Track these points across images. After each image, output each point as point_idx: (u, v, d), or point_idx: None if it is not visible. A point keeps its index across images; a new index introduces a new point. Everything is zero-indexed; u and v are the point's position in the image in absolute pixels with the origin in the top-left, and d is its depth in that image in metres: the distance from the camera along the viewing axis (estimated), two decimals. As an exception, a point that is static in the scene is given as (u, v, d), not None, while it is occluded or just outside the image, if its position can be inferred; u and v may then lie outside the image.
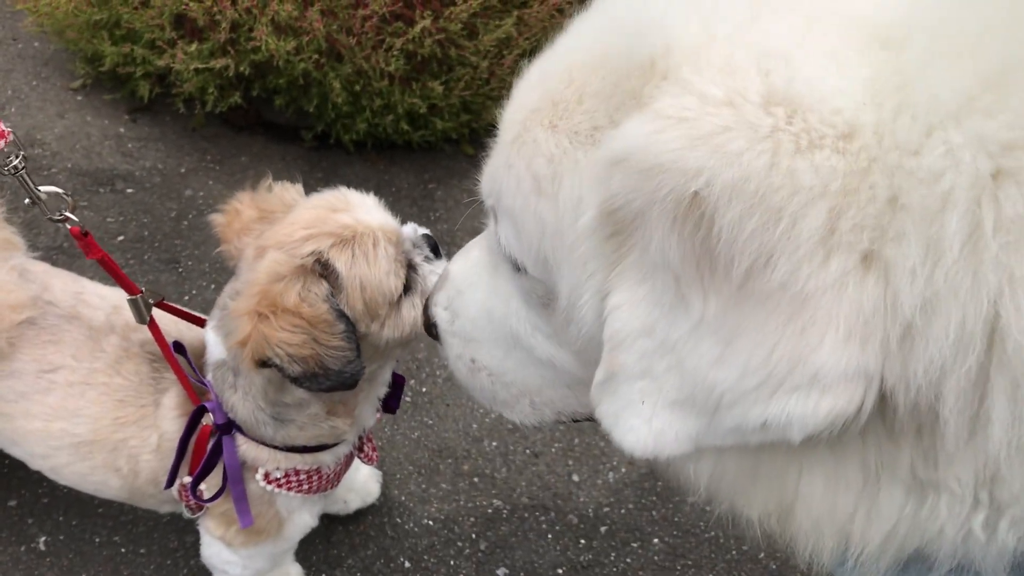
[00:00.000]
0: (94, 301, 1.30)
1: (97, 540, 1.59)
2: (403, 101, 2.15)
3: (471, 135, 2.43)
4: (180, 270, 2.02)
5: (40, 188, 1.14)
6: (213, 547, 1.39)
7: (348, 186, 2.17)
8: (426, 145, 2.39)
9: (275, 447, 1.23)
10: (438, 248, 1.23)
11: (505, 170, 0.73)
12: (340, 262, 1.08)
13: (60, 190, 1.16)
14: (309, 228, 1.11)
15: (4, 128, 1.11)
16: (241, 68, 2.05)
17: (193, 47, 2.04)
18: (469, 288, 0.91)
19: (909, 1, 0.58)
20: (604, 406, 0.69)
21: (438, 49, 2.11)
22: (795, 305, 0.54)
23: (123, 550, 1.58)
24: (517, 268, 0.78)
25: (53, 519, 1.59)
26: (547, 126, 0.69)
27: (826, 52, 0.56)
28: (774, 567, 1.78)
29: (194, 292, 1.98)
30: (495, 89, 2.24)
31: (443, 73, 2.17)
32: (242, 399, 1.17)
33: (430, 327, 0.96)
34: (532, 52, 1.99)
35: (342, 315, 1.07)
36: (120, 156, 2.23)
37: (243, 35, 2.02)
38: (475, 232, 2.14)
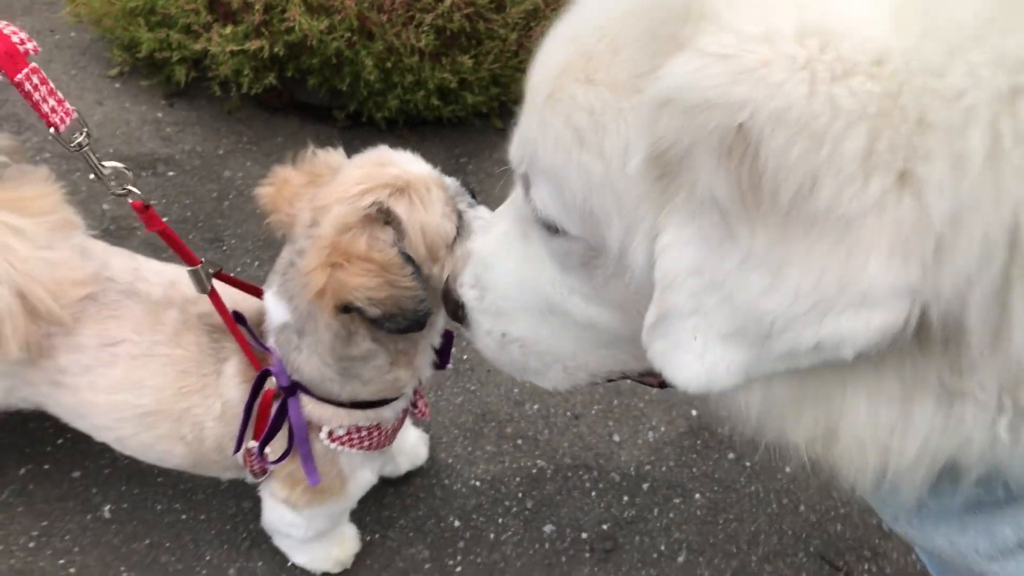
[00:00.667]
0: (152, 277, 1.35)
1: (159, 508, 1.65)
2: (433, 76, 2.19)
3: (500, 108, 2.47)
4: (224, 248, 2.08)
5: (104, 163, 1.19)
6: (276, 510, 1.45)
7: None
8: (456, 120, 2.44)
9: (340, 404, 1.27)
10: (475, 195, 1.27)
11: (540, 130, 0.75)
12: (400, 209, 1.12)
13: (121, 165, 1.21)
14: (363, 183, 1.15)
15: (69, 107, 1.16)
16: (276, 49, 2.09)
17: (228, 30, 2.08)
18: (497, 261, 0.92)
19: None
20: (656, 345, 0.71)
21: (467, 23, 2.14)
22: (840, 228, 0.57)
23: (184, 516, 1.64)
24: (552, 232, 0.79)
25: (116, 489, 1.66)
26: (583, 81, 0.71)
27: None
28: (814, 519, 1.83)
29: (239, 269, 2.04)
30: (524, 62, 2.28)
31: (472, 47, 2.21)
32: (307, 358, 1.22)
33: (456, 310, 0.97)
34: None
35: (409, 258, 1.12)
36: (159, 140, 2.28)
37: (276, 16, 2.07)
38: None
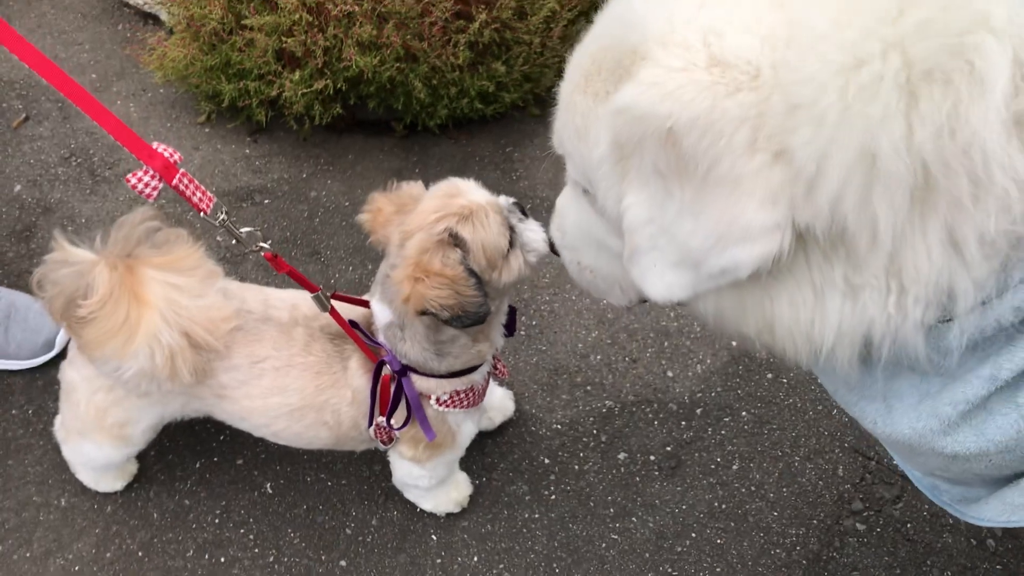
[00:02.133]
0: (278, 304, 1.72)
1: (308, 479, 2.05)
2: (474, 85, 2.53)
3: (535, 100, 2.80)
4: (322, 259, 2.47)
5: (241, 229, 1.57)
6: (404, 467, 1.84)
7: (437, 161, 2.61)
8: (498, 116, 2.77)
9: (440, 376, 1.65)
10: (525, 210, 1.60)
11: (562, 127, 1.03)
12: (466, 232, 1.47)
13: (254, 228, 1.58)
14: (438, 212, 1.50)
15: (210, 194, 1.53)
16: (338, 85, 2.45)
17: (296, 75, 2.44)
18: (567, 212, 1.23)
19: None
20: (633, 271, 0.98)
21: (496, 35, 2.47)
22: (732, 186, 0.80)
23: (330, 483, 2.05)
24: (584, 191, 1.07)
25: (273, 469, 2.06)
26: (582, 91, 0.97)
27: (744, 23, 0.82)
28: (846, 419, 2.15)
29: (337, 276, 2.43)
30: (549, 59, 2.60)
31: (503, 54, 2.53)
32: (411, 346, 1.59)
33: (552, 247, 1.37)
34: (574, 21, 2.36)
35: (472, 272, 1.47)
36: (251, 173, 2.67)
37: (334, 57, 2.42)
38: (552, 183, 2.62)
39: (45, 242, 2.28)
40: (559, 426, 2.15)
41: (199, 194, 1.51)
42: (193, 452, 2.07)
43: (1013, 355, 0.92)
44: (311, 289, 1.63)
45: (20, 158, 2.69)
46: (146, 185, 1.47)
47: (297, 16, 2.35)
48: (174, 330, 1.52)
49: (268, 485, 2.04)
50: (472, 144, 2.78)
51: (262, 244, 1.59)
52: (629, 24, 0.90)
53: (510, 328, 1.74)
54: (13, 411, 2.13)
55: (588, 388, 2.22)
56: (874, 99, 0.76)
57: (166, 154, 1.48)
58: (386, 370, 1.66)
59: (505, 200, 1.58)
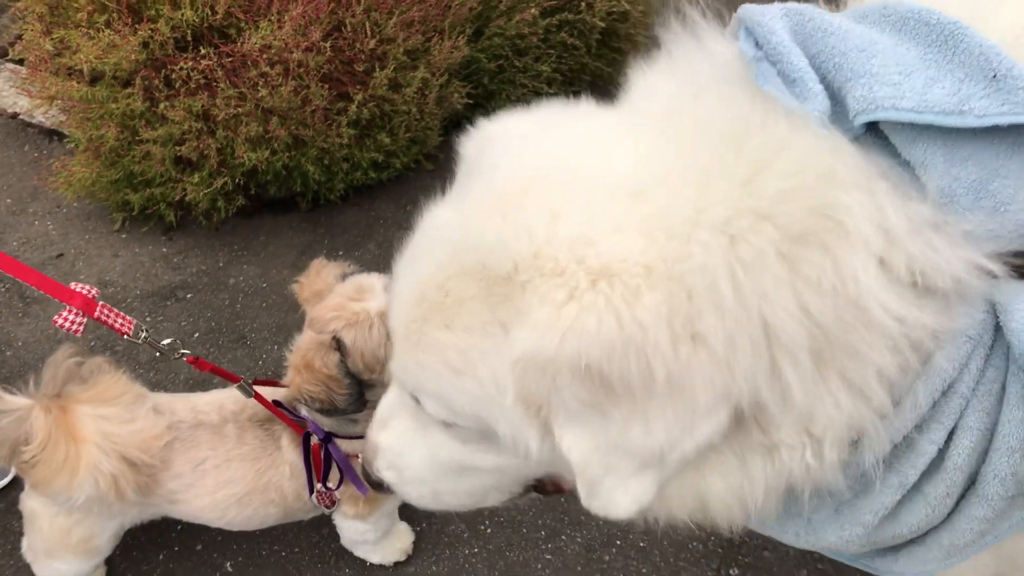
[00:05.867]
0: (206, 408, 1.88)
1: (264, 553, 2.23)
2: (363, 157, 2.72)
3: (426, 157, 3.00)
4: (248, 343, 2.64)
5: (162, 342, 1.75)
6: (350, 526, 2.02)
7: (343, 229, 2.78)
8: (395, 178, 2.97)
9: (361, 437, 1.83)
10: None
11: (419, 368, 0.95)
12: (348, 339, 1.65)
13: (174, 339, 1.76)
14: (334, 311, 1.69)
15: (129, 318, 1.71)
16: (236, 179, 2.63)
17: (196, 177, 2.62)
18: (407, 450, 1.14)
19: (636, 157, 0.85)
20: (596, 504, 0.92)
21: (376, 110, 2.66)
22: (677, 385, 0.79)
23: (284, 554, 2.22)
24: (448, 425, 1.00)
25: (231, 548, 2.23)
26: (444, 327, 0.89)
27: (611, 222, 0.80)
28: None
29: (264, 356, 2.60)
30: (430, 122, 2.80)
31: (386, 124, 2.73)
32: (323, 418, 1.79)
33: (378, 485, 1.23)
34: (446, 84, 2.55)
35: (348, 373, 1.66)
36: (171, 271, 2.84)
37: (228, 155, 2.59)
38: None
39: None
40: (486, 463, 2.35)
41: (119, 320, 1.69)
42: (155, 545, 2.23)
43: (915, 460, 0.95)
44: (233, 380, 1.81)
45: (-51, 292, 2.84)
46: (72, 323, 1.65)
47: (187, 125, 2.52)
48: (112, 457, 1.69)
49: (228, 564, 2.21)
50: (375, 208, 2.97)
51: (184, 351, 1.77)
52: (487, 250, 0.85)
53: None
54: (-19, 536, 2.28)
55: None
56: (761, 274, 0.78)
57: (85, 292, 1.65)
58: (314, 439, 1.84)
59: None
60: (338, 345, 1.66)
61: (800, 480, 0.91)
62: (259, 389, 1.83)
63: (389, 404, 1.16)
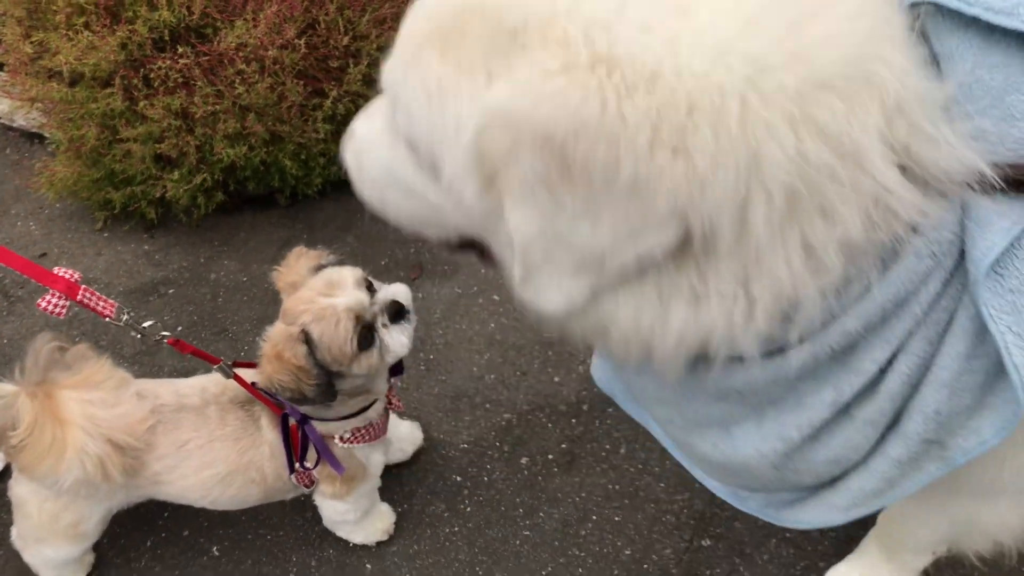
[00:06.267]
0: (188, 392, 1.93)
1: (250, 536, 2.28)
2: (340, 151, 2.78)
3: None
4: (230, 335, 2.70)
5: (144, 324, 1.80)
6: (330, 506, 2.07)
7: (323, 224, 2.83)
8: (372, 171, 3.03)
9: (335, 419, 1.90)
10: (403, 310, 1.80)
11: (403, 78, 0.92)
12: (315, 332, 1.70)
13: (154, 321, 1.81)
14: (304, 304, 1.75)
15: (111, 301, 1.76)
16: (215, 176, 2.69)
17: (175, 174, 2.68)
18: (373, 149, 1.10)
19: None
20: (528, 292, 0.93)
21: (351, 105, 2.72)
22: (639, 186, 0.79)
23: (269, 537, 2.28)
24: (410, 147, 0.98)
25: (217, 533, 2.29)
26: (439, 53, 0.87)
27: (639, 23, 0.78)
28: (714, 390, 2.44)
29: (246, 348, 2.66)
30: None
31: (361, 120, 2.79)
32: (298, 405, 1.84)
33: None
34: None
35: (317, 363, 1.71)
36: (153, 268, 2.89)
37: (207, 152, 2.65)
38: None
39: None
40: (465, 445, 2.41)
41: (101, 303, 1.75)
42: (142, 531, 2.28)
43: (852, 379, 0.97)
44: (213, 362, 1.87)
45: (-65, 293, 2.89)
46: (55, 306, 1.71)
47: (165, 123, 2.58)
48: (97, 440, 1.74)
49: (215, 548, 2.27)
50: (353, 202, 3.00)
51: (164, 333, 1.83)
52: None
53: (397, 370, 2.00)
54: (-28, 527, 2.33)
55: (487, 406, 2.49)
56: (774, 108, 0.77)
57: (68, 276, 1.71)
58: (293, 420, 1.90)
59: (383, 299, 1.78)
60: (306, 338, 1.72)
61: (718, 340, 0.90)
62: (239, 371, 1.89)
63: (377, 104, 1.10)
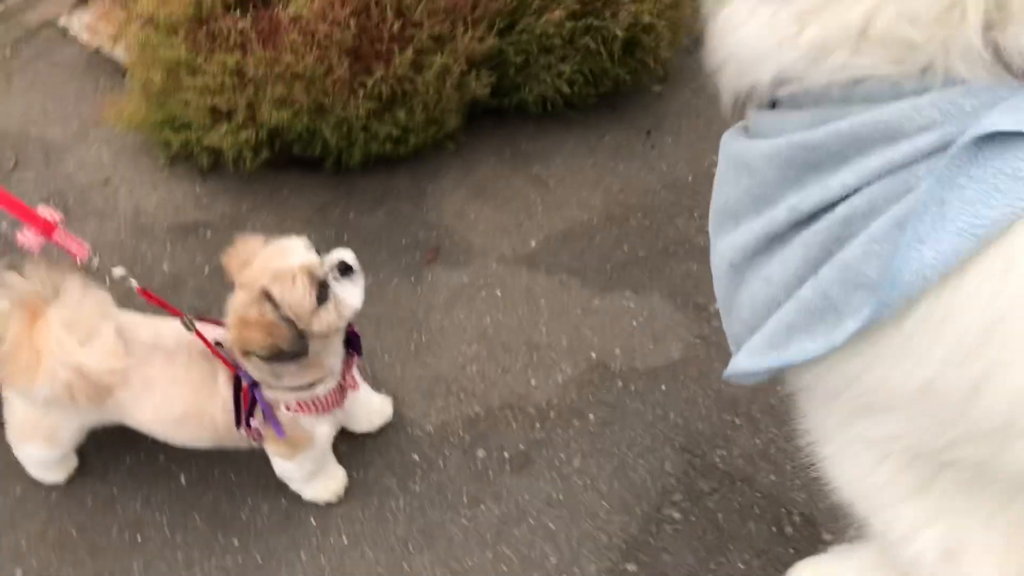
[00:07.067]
0: (166, 333, 2.10)
1: (216, 473, 2.45)
2: (380, 130, 2.92)
3: (448, 139, 3.18)
4: (249, 285, 2.88)
5: (113, 269, 1.97)
6: (277, 463, 2.23)
7: (360, 194, 2.99)
8: (417, 153, 3.15)
9: (284, 389, 2.03)
10: (349, 267, 1.95)
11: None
12: (275, 291, 1.85)
13: (124, 270, 1.96)
14: (261, 270, 1.89)
15: (85, 244, 1.94)
16: (261, 135, 2.86)
17: (225, 127, 2.86)
18: None
19: None
20: None
21: (397, 87, 2.84)
22: None
23: (233, 477, 2.44)
24: None
25: (188, 464, 2.46)
26: None
27: None
28: (680, 422, 2.47)
29: (259, 299, 2.83)
30: (447, 105, 2.97)
31: (405, 102, 2.91)
32: (252, 369, 1.99)
33: None
34: (466, 73, 2.71)
35: (284, 318, 1.85)
36: (199, 210, 3.10)
37: (256, 111, 2.83)
38: (458, 214, 2.97)
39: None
40: (431, 428, 2.52)
41: (75, 245, 1.92)
42: (124, 448, 2.49)
43: (816, 190, 0.97)
44: (176, 315, 2.03)
45: None
46: (32, 241, 1.89)
47: (221, 79, 2.76)
48: (66, 369, 1.93)
49: (183, 477, 2.46)
50: (393, 179, 3.17)
51: (132, 280, 2.00)
52: None
53: (355, 349, 2.13)
54: (-18, 418, 2.58)
55: (461, 395, 2.59)
56: None
57: (48, 216, 1.89)
58: (245, 382, 2.05)
59: (331, 260, 1.93)
60: (268, 297, 1.85)
61: (766, 52, 0.96)
62: (206, 328, 2.04)
63: None
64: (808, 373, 1.10)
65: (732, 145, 1.14)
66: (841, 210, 0.94)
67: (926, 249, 0.86)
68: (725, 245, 1.12)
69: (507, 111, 3.29)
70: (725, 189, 1.15)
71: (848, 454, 1.12)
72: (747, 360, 1.11)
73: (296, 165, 3.20)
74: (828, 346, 0.99)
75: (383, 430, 2.51)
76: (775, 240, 1.03)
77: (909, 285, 0.88)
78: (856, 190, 0.93)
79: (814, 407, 1.18)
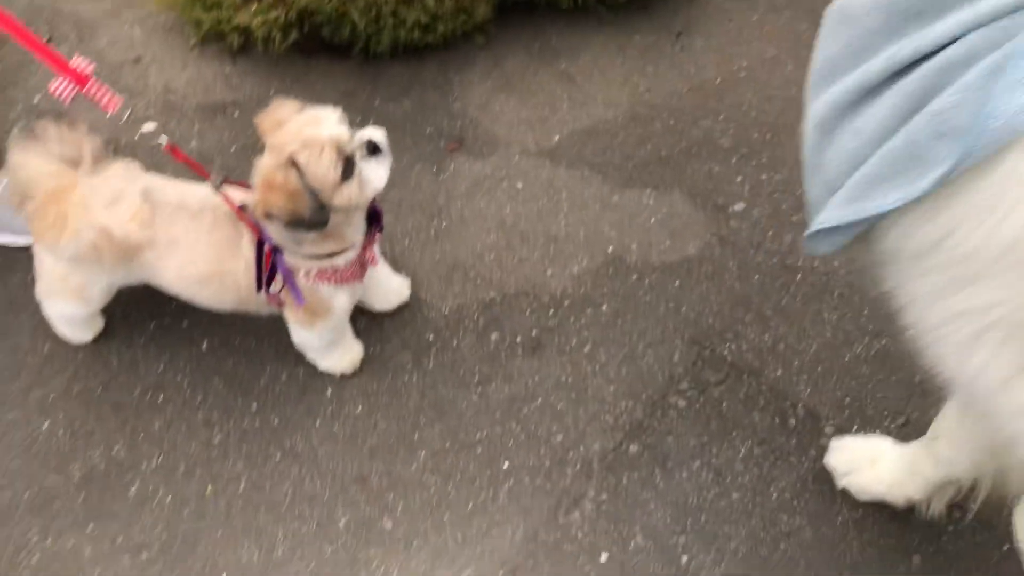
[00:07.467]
0: (191, 194, 2.15)
1: (237, 341, 2.53)
2: (409, 15, 2.92)
3: (474, 29, 3.18)
4: (274, 165, 2.92)
5: (144, 125, 2.01)
6: (297, 331, 2.30)
7: (386, 82, 3.01)
8: (447, 44, 3.15)
9: (304, 257, 2.09)
10: (379, 147, 1.98)
11: None
12: (301, 160, 1.88)
13: (155, 125, 2.01)
14: (290, 135, 1.92)
15: (117, 97, 1.97)
16: (289, 16, 2.87)
17: (255, 6, 2.87)
18: None
19: None
20: None
21: (425, -27, 2.84)
22: None
23: (253, 345, 2.51)
24: None
25: (211, 331, 2.54)
26: None
27: None
28: (692, 316, 2.51)
29: (284, 179, 2.88)
30: (476, -5, 2.97)
31: (435, -11, 2.91)
32: (275, 232, 2.03)
33: None
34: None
35: (307, 187, 1.89)
36: (228, 90, 3.13)
37: (287, -9, 2.84)
38: (483, 106, 3.01)
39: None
40: (447, 310, 2.58)
41: (107, 97, 1.96)
42: (150, 313, 2.57)
43: (918, 39, 0.95)
44: (204, 176, 2.07)
45: (41, 74, 3.21)
46: (65, 91, 1.93)
47: (251, -45, 2.76)
48: (92, 229, 1.98)
49: (205, 343, 2.53)
50: (421, 69, 3.17)
51: (163, 136, 2.04)
52: None
53: (377, 225, 2.17)
54: (16, 276, 2.66)
55: (478, 281, 2.63)
56: None
57: (81, 68, 1.92)
58: (267, 246, 2.10)
59: (360, 137, 1.95)
60: (295, 164, 1.88)
61: None
62: (229, 190, 2.09)
63: None
64: (892, 232, 1.07)
65: (837, 1, 1.12)
66: (938, 59, 0.92)
67: (1018, 96, 0.84)
68: (818, 104, 1.09)
69: (538, 5, 3.28)
70: (824, 48, 1.12)
71: (947, 332, 1.08)
72: (827, 215, 1.09)
73: (325, 51, 3.21)
74: (910, 195, 0.97)
75: (400, 310, 2.57)
76: (869, 93, 1.01)
77: (996, 132, 0.86)
78: (955, 39, 0.90)
79: (906, 277, 1.13)
